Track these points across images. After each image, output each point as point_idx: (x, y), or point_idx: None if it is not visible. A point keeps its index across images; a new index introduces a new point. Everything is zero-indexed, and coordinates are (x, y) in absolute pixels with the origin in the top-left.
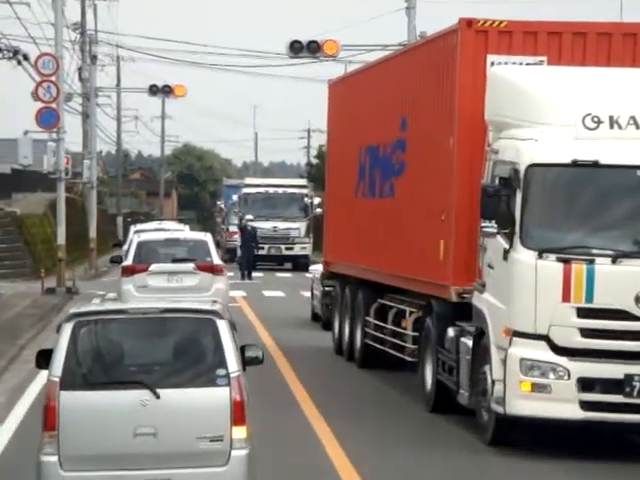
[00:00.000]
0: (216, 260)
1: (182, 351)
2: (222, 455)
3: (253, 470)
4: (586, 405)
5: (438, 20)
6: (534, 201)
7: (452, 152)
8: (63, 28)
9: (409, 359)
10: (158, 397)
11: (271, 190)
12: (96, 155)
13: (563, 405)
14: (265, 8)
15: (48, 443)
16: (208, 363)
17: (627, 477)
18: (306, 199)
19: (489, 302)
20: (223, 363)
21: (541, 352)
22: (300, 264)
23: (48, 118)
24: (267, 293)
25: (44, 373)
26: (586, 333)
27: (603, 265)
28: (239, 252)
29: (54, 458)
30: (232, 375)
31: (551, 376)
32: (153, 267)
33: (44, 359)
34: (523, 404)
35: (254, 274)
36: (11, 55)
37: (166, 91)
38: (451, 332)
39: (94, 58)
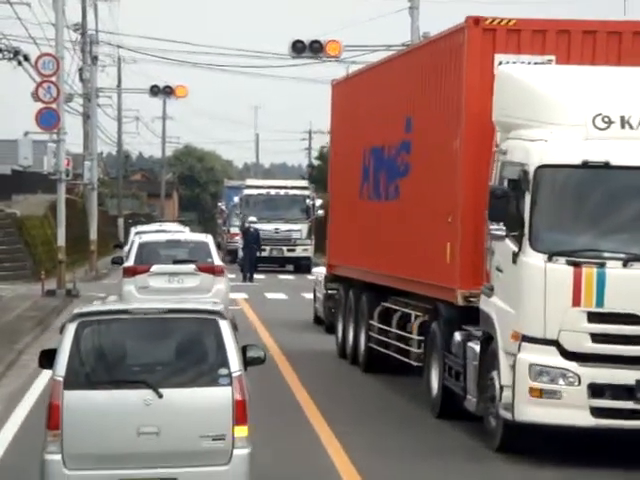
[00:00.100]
0: (217, 261)
1: (185, 351)
2: (224, 454)
3: (254, 469)
4: (597, 412)
5: (441, 20)
6: (544, 203)
7: (458, 153)
8: (64, 28)
9: (414, 363)
10: (161, 396)
11: (273, 192)
12: (97, 156)
13: (573, 412)
14: (266, 8)
15: (52, 442)
16: (210, 363)
17: None
18: (308, 201)
19: (497, 306)
20: (225, 363)
21: (551, 357)
22: (302, 266)
23: (48, 119)
24: (269, 295)
25: (43, 378)
26: (597, 338)
27: (614, 269)
28: (240, 254)
29: (58, 457)
30: (234, 375)
31: (561, 382)
32: (154, 268)
33: (47, 359)
34: (532, 410)
35: (255, 276)
36: (11, 56)
37: (167, 92)
38: (458, 336)
39: (95, 59)
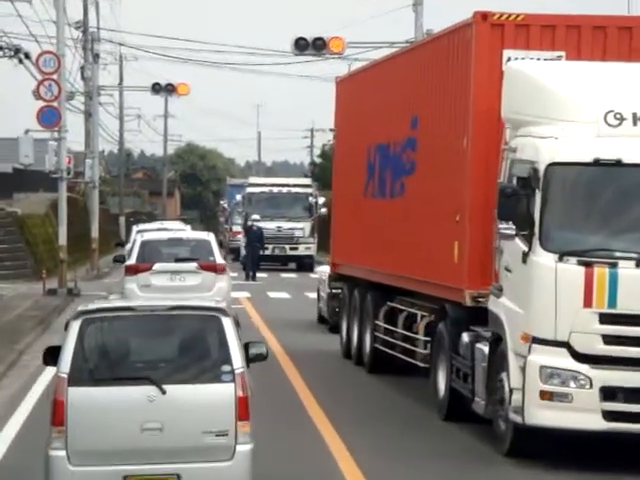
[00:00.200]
0: (219, 259)
1: (188, 348)
2: (227, 450)
3: (255, 465)
4: (609, 415)
5: (445, 17)
6: (554, 202)
7: (466, 151)
8: (65, 26)
9: (421, 364)
10: (164, 393)
11: (275, 190)
12: (98, 154)
13: (585, 415)
14: (268, 5)
15: (56, 438)
16: (213, 360)
17: None
18: (311, 199)
19: (506, 307)
20: (228, 360)
21: (562, 359)
22: (305, 264)
23: (49, 117)
24: (272, 294)
25: (44, 379)
26: (609, 340)
27: (627, 269)
28: (243, 252)
29: (62, 453)
30: (237, 372)
31: (572, 385)
32: (156, 266)
33: (51, 356)
34: (543, 414)
35: (258, 274)
36: (12, 53)
37: (169, 90)
38: (466, 337)
39: (96, 56)
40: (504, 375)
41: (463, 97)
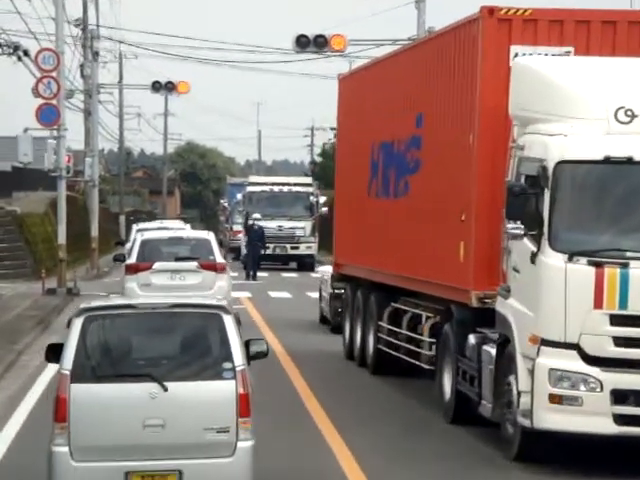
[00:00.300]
0: (219, 259)
1: (189, 345)
2: (228, 446)
3: (256, 462)
4: (620, 419)
5: (447, 15)
6: (564, 200)
7: (472, 148)
8: (64, 23)
9: (426, 366)
10: (166, 390)
11: (276, 189)
12: (98, 153)
13: (595, 419)
14: (268, 3)
15: (59, 434)
16: (215, 357)
17: None
18: (312, 198)
19: (514, 308)
20: (229, 357)
21: (571, 362)
22: (306, 264)
23: (48, 115)
24: (273, 294)
25: (43, 380)
26: (620, 342)
27: (638, 269)
28: (244, 251)
29: (65, 449)
30: (238, 369)
31: (582, 388)
32: (157, 265)
33: (53, 353)
34: (552, 417)
35: (258, 274)
36: (11, 51)
37: (169, 88)
38: (472, 339)
39: (96, 54)
40: (512, 378)
41: (469, 94)
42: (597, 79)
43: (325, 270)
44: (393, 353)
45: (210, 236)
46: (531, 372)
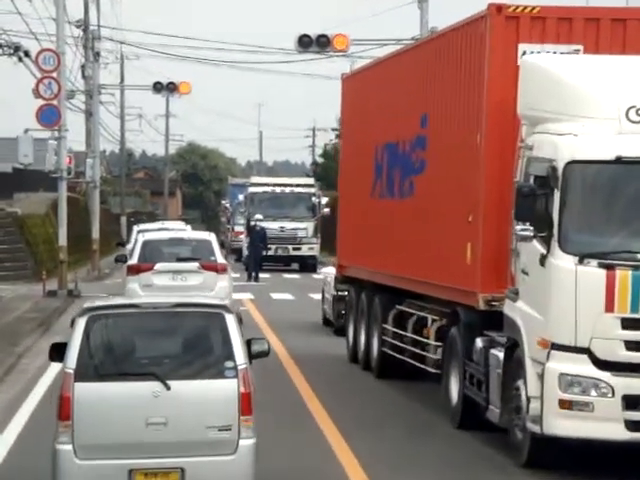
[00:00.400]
0: (220, 259)
1: (192, 344)
2: (230, 444)
3: (258, 459)
4: (632, 425)
5: (449, 15)
6: (574, 201)
7: (479, 148)
8: (65, 24)
9: (432, 370)
10: (169, 388)
11: (278, 189)
12: (99, 154)
13: (606, 425)
14: (270, 3)
15: (63, 432)
16: (217, 356)
17: None
18: (314, 198)
19: (523, 311)
20: (231, 356)
21: (582, 367)
22: (308, 265)
23: (49, 115)
24: (275, 296)
25: (43, 384)
26: (631, 346)
27: None
28: (245, 252)
29: (69, 447)
30: (240, 367)
31: (593, 393)
32: (158, 266)
33: (57, 352)
34: (562, 423)
35: (260, 275)
36: (12, 51)
37: (170, 88)
38: (479, 343)
39: (97, 55)
40: (521, 382)
41: (476, 93)
42: (608, 78)
43: (328, 272)
44: (398, 356)
45: (211, 237)
46: (541, 377)
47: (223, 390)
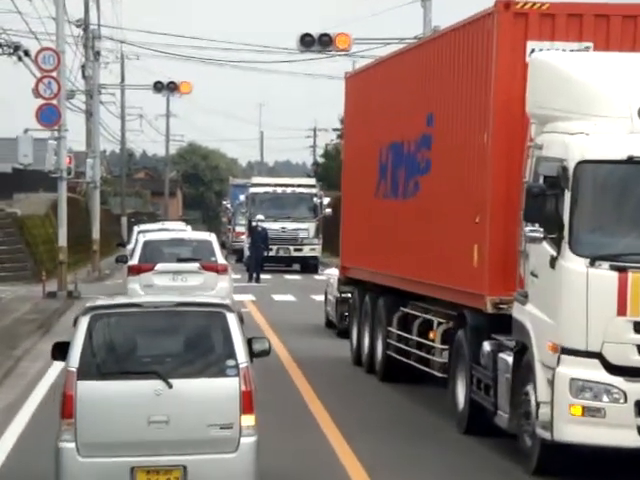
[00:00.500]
0: (220, 260)
1: (193, 343)
2: (232, 442)
3: (259, 457)
4: None
5: (451, 14)
6: (585, 202)
7: (487, 148)
8: (65, 22)
9: (438, 374)
10: (171, 387)
11: (279, 190)
12: (100, 154)
13: (619, 431)
14: (271, 2)
15: (66, 430)
16: (218, 354)
17: None
18: (315, 199)
19: (532, 315)
20: (232, 354)
21: (594, 372)
22: (309, 265)
23: (49, 115)
24: (277, 297)
25: (42, 388)
26: None
27: None
28: (247, 253)
29: (72, 445)
30: (241, 366)
31: (605, 399)
32: (159, 266)
33: (59, 351)
34: (573, 430)
35: (261, 276)
36: (12, 51)
37: (171, 88)
38: (487, 346)
39: (97, 54)
40: (530, 387)
41: (483, 91)
42: (619, 75)
43: (331, 273)
44: (403, 359)
45: (212, 237)
46: (551, 382)
47: (224, 388)
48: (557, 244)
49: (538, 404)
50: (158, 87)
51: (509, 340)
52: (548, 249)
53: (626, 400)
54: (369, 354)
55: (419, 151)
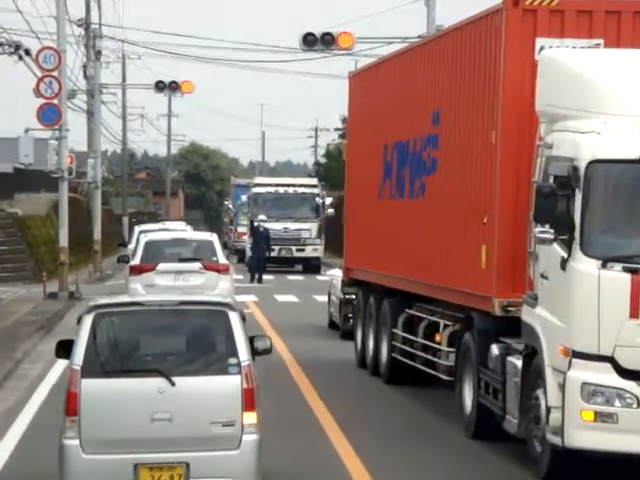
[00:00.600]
0: (222, 260)
1: (196, 341)
2: (234, 439)
3: (261, 455)
4: None
5: (454, 13)
6: (596, 202)
7: (495, 147)
8: (66, 22)
9: (444, 377)
10: (173, 385)
11: (281, 190)
12: (101, 154)
13: (632, 437)
14: (268, 2)
15: (70, 427)
16: (220, 353)
17: None
18: (317, 199)
19: (542, 317)
20: (235, 353)
21: (605, 376)
22: (311, 266)
23: (50, 115)
24: (279, 298)
25: (42, 392)
26: None
27: None
28: (249, 253)
29: (76, 442)
30: (243, 364)
31: (617, 403)
32: (160, 266)
33: (63, 350)
34: (585, 435)
35: (263, 276)
36: (13, 50)
37: (173, 87)
38: (495, 350)
39: (98, 53)
40: (540, 392)
41: (492, 89)
42: (631, 73)
43: (334, 274)
44: (408, 362)
45: (213, 237)
46: (562, 386)
47: (227, 386)
48: (568, 245)
49: (548, 409)
50: (160, 87)
51: (518, 343)
52: (558, 250)
53: (639, 405)
54: (374, 356)
55: (425, 150)
